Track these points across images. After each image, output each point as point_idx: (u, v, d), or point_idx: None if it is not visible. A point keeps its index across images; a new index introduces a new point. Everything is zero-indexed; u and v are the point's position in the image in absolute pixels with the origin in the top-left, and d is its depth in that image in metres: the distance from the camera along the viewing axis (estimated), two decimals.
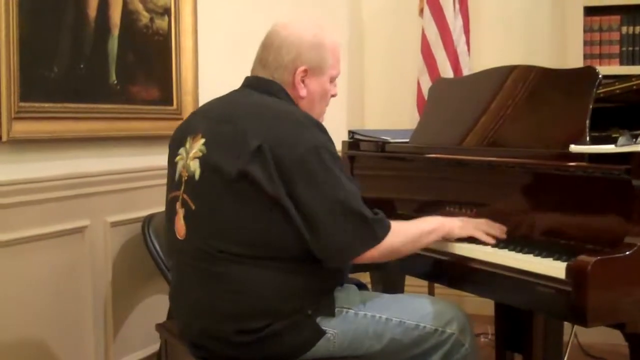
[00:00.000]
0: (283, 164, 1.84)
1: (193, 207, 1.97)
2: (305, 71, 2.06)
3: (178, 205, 2.01)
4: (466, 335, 2.05)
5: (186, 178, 1.99)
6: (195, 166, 1.96)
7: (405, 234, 2.00)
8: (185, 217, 1.99)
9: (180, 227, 2.00)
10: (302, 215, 1.86)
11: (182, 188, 2.00)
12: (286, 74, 2.06)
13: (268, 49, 2.09)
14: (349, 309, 2.01)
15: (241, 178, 1.86)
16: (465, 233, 2.12)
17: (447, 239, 2.12)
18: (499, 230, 2.13)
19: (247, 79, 2.14)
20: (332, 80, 2.15)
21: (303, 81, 2.07)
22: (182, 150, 2.03)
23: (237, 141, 1.89)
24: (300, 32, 2.08)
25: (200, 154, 1.96)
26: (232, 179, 1.87)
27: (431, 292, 3.61)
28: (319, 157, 1.87)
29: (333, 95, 2.18)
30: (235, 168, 1.86)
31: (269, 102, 2.02)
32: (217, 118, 2.02)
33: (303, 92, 2.08)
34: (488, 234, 2.11)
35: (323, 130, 1.96)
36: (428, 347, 2.01)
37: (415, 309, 2.04)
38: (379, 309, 2.03)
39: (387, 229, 1.93)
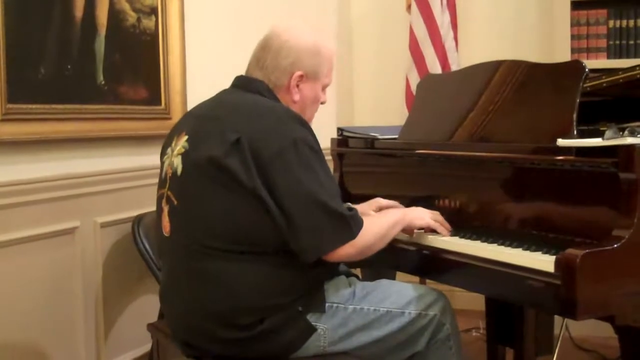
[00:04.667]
0: (261, 157, 1.86)
1: (176, 203, 1.99)
2: (301, 76, 2.10)
3: (163, 202, 2.04)
4: (447, 315, 2.10)
5: (170, 175, 2.01)
6: (178, 162, 1.98)
7: (377, 229, 2.02)
8: (169, 214, 2.01)
9: (166, 223, 2.03)
10: (280, 208, 1.87)
11: (167, 185, 2.02)
12: (283, 77, 2.09)
13: (266, 50, 2.11)
14: (338, 303, 2.02)
15: (219, 171, 1.88)
16: (424, 223, 2.19)
17: (407, 230, 2.19)
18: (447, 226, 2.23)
19: (235, 79, 2.17)
20: (324, 88, 2.20)
21: (297, 85, 2.11)
22: (168, 150, 2.07)
23: (217, 135, 1.91)
24: (300, 38, 2.11)
25: (183, 150, 1.99)
26: (210, 172, 1.89)
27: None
28: (298, 151, 1.89)
29: (322, 103, 2.22)
30: (213, 161, 1.88)
31: (252, 98, 2.05)
32: (201, 116, 2.06)
33: (296, 96, 2.11)
34: (442, 225, 2.21)
35: (304, 125, 1.98)
36: (414, 331, 2.05)
37: (400, 296, 2.08)
38: (367, 300, 2.05)
39: (361, 225, 1.95)
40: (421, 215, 2.19)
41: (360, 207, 2.31)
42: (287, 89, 2.10)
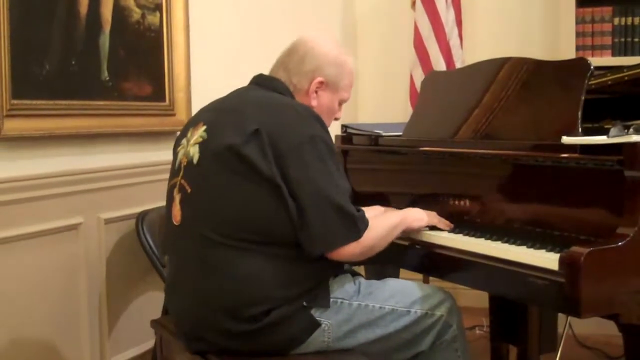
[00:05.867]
0: (279, 149, 1.89)
1: (189, 191, 2.00)
2: (321, 83, 2.15)
3: (175, 191, 2.05)
4: (453, 316, 2.10)
5: (185, 164, 2.03)
6: (194, 151, 2.00)
7: (380, 231, 2.04)
8: (181, 202, 2.02)
9: (177, 212, 2.04)
10: (293, 200, 1.89)
11: (181, 174, 2.04)
12: (304, 80, 2.15)
13: (292, 55, 2.18)
14: (343, 299, 2.03)
15: (238, 159, 1.90)
16: (423, 224, 2.22)
17: (408, 231, 2.20)
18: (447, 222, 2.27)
19: (254, 77, 2.22)
20: (341, 103, 2.25)
21: (316, 92, 2.16)
22: (183, 141, 2.09)
23: (236, 125, 1.95)
24: (326, 47, 2.18)
25: (201, 139, 2.01)
26: (229, 161, 1.92)
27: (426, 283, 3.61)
28: (315, 147, 1.92)
29: (336, 119, 2.28)
30: (232, 149, 1.91)
31: (271, 95, 2.10)
32: (219, 109, 2.10)
33: (314, 102, 2.16)
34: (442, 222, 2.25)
35: (321, 124, 2.01)
36: (419, 331, 2.05)
37: (406, 294, 2.08)
38: (372, 298, 2.06)
39: (367, 226, 1.97)
40: (419, 217, 2.22)
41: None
42: (306, 93, 2.15)
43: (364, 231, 1.95)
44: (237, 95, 2.15)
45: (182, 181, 2.03)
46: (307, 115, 2.01)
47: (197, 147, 2.00)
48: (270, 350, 1.96)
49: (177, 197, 2.04)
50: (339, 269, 2.10)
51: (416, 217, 2.21)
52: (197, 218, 1.97)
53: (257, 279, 1.91)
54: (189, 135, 2.07)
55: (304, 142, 1.91)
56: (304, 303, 1.96)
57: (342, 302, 2.02)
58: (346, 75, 2.21)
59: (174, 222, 2.05)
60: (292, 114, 1.99)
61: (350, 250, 1.94)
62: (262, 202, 1.90)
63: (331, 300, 2.01)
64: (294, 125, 1.95)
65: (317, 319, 1.97)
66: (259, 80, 2.19)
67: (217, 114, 2.06)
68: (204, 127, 2.02)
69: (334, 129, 2.97)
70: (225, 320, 1.93)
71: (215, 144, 1.96)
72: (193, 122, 2.11)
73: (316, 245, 1.92)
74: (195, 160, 1.99)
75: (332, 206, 1.90)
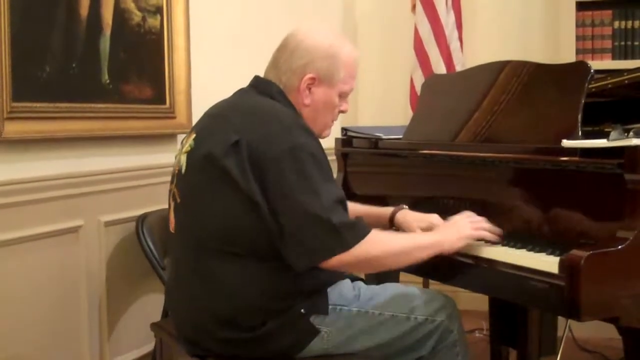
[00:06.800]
0: (258, 161, 1.84)
1: (179, 200, 2.00)
2: (313, 79, 2.04)
3: (171, 199, 2.06)
4: (454, 321, 2.07)
5: (176, 172, 2.03)
6: (183, 160, 2.00)
7: (389, 245, 1.95)
8: (174, 210, 2.03)
9: (172, 219, 2.05)
10: (272, 216, 1.84)
11: (174, 182, 2.04)
12: (294, 78, 2.04)
13: (283, 50, 2.08)
14: (342, 306, 2.01)
15: (217, 170, 1.87)
16: (465, 243, 2.04)
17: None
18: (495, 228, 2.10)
19: (252, 79, 2.14)
20: (343, 95, 2.12)
21: (309, 89, 2.05)
22: (179, 147, 2.09)
23: (219, 135, 1.91)
24: (317, 40, 2.06)
25: (190, 148, 1.99)
26: (208, 170, 1.90)
27: (426, 287, 3.61)
28: (295, 158, 1.85)
29: (342, 111, 2.16)
30: (211, 159, 1.89)
31: (264, 102, 2.02)
32: (212, 115, 2.06)
33: (307, 100, 2.06)
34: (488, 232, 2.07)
35: (309, 134, 1.94)
36: (420, 336, 2.03)
37: (406, 300, 2.05)
38: (371, 304, 2.04)
39: (359, 237, 1.86)
40: (457, 240, 2.02)
41: (413, 219, 2.25)
42: (297, 91, 2.05)
43: (354, 241, 1.84)
44: (232, 102, 2.09)
45: (175, 190, 2.03)
46: (291, 124, 1.92)
47: (185, 156, 1.99)
48: (270, 357, 1.95)
49: (172, 205, 2.05)
50: (338, 275, 2.07)
51: (453, 240, 2.02)
52: (187, 227, 1.98)
53: (249, 290, 1.90)
54: (184, 142, 2.07)
55: (284, 154, 1.84)
56: (302, 310, 1.94)
57: (341, 309, 2.01)
58: (342, 66, 2.06)
59: (171, 230, 2.06)
60: (275, 123, 1.90)
61: (340, 260, 1.84)
62: (240, 216, 1.86)
63: (330, 307, 1.99)
64: (276, 136, 1.87)
65: (317, 326, 1.96)
66: (255, 83, 2.11)
67: (208, 120, 2.04)
68: (194, 136, 2.01)
69: (334, 132, 2.98)
70: (221, 329, 1.92)
71: (199, 153, 1.94)
72: (192, 129, 2.09)
73: (299, 262, 1.86)
74: (183, 170, 1.99)
75: (311, 219, 1.82)
